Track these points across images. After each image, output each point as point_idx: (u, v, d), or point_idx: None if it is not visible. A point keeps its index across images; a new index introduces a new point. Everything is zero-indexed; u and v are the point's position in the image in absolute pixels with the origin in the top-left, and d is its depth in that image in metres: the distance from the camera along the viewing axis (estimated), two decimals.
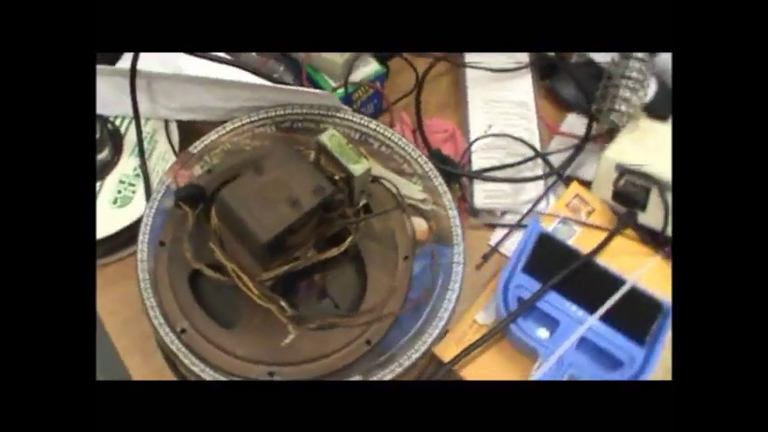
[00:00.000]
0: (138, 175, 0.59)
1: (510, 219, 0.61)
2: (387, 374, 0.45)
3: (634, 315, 0.52)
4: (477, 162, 0.62)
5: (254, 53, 0.63)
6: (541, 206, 0.60)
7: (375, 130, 0.54)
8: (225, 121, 0.55)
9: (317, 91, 0.53)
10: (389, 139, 0.54)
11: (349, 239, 0.46)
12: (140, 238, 0.49)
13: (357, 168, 0.44)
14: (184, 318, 0.46)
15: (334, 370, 0.45)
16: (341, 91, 0.60)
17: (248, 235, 0.42)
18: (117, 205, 0.58)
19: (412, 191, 0.51)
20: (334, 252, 0.45)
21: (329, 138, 0.45)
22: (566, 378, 0.49)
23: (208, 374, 0.44)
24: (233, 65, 0.58)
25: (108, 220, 0.57)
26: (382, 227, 0.49)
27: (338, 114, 0.54)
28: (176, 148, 0.60)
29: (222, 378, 0.44)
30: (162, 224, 0.50)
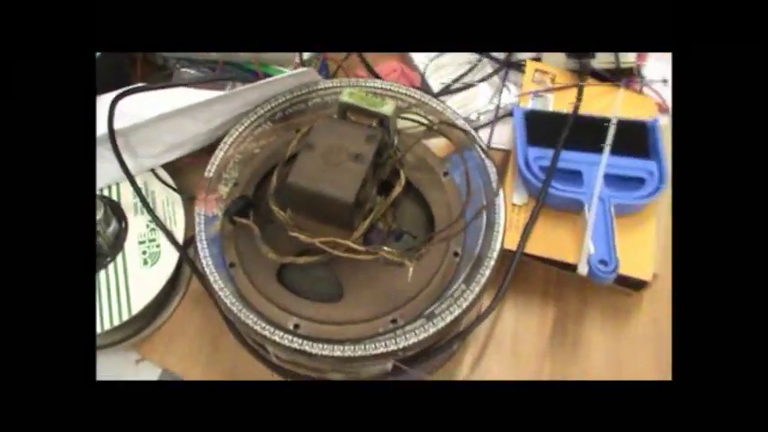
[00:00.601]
0: (153, 229, 0.59)
1: (486, 118, 0.67)
2: (481, 278, 0.49)
3: (631, 140, 0.60)
4: (435, 86, 0.68)
5: (192, 70, 0.65)
6: (505, 96, 0.67)
7: (358, 85, 0.58)
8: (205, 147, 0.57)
9: (297, 71, 0.56)
10: (375, 86, 0.58)
11: (402, 174, 0.50)
12: (207, 271, 0.51)
13: (387, 109, 0.48)
14: (292, 315, 0.48)
15: (444, 287, 0.49)
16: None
17: (332, 204, 0.45)
18: (149, 265, 0.58)
19: (420, 118, 0.56)
20: (398, 190, 0.49)
21: (349, 95, 0.49)
22: (612, 210, 0.56)
23: (340, 351, 0.47)
24: (193, 85, 0.59)
25: (149, 281, 0.58)
26: (413, 156, 0.54)
27: (320, 86, 0.58)
28: (175, 188, 0.61)
29: (351, 351, 0.47)
30: (219, 251, 0.52)
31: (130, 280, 0.57)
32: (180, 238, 0.59)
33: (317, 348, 0.47)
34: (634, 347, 0.57)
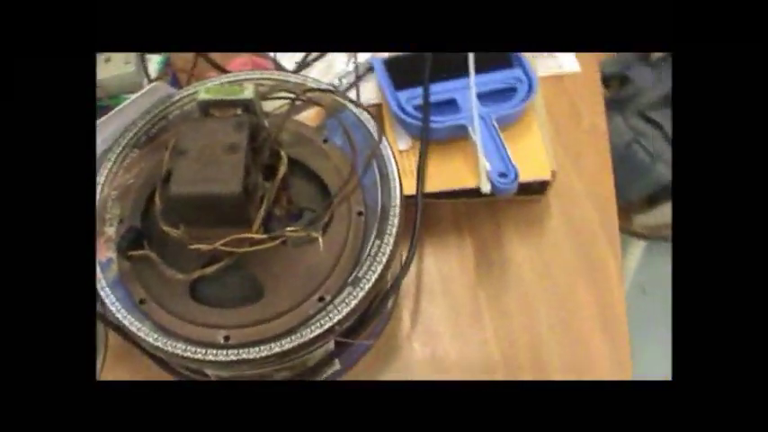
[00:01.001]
0: None
1: (348, 81, 0.66)
2: (392, 229, 0.48)
3: (490, 55, 0.60)
4: (288, 64, 0.67)
5: None
6: (360, 55, 0.66)
7: (218, 85, 0.56)
8: None
9: (146, 89, 0.54)
10: (230, 80, 0.56)
11: (282, 153, 0.49)
12: (119, 316, 0.48)
13: (248, 93, 0.47)
14: (219, 328, 0.46)
15: (358, 249, 0.48)
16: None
17: (221, 201, 0.44)
18: None
19: (284, 94, 0.54)
20: (283, 169, 0.48)
21: (206, 91, 0.47)
22: (495, 124, 0.56)
23: (279, 346, 0.45)
24: None
25: None
26: (289, 134, 0.53)
27: (176, 98, 0.56)
28: None
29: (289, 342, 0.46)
30: (124, 293, 0.49)
31: None
32: None
33: (253, 353, 0.46)
34: (557, 250, 0.59)
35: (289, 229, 0.45)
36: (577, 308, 0.56)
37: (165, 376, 0.55)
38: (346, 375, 0.54)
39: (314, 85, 0.55)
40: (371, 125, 0.52)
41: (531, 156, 0.56)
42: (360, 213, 0.50)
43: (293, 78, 0.55)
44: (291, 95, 0.52)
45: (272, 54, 0.67)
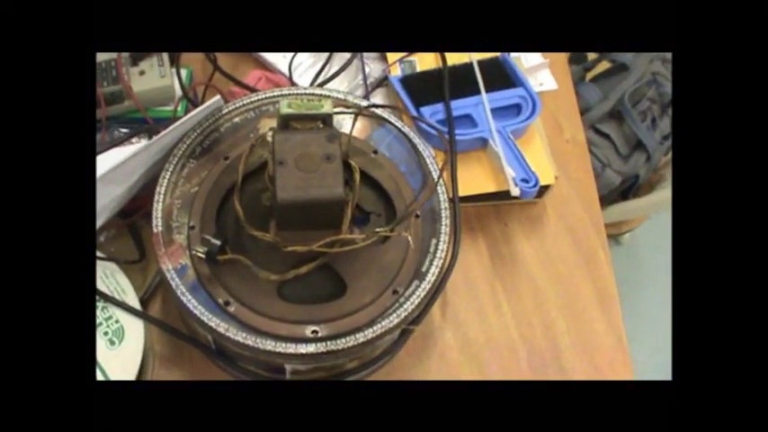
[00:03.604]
0: (104, 307, 0.57)
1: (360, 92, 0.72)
2: (446, 228, 0.55)
3: (495, 75, 0.69)
4: (303, 82, 0.71)
5: None
6: (369, 69, 0.72)
7: (259, 99, 0.60)
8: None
9: (208, 103, 0.56)
10: (272, 96, 0.60)
11: (354, 163, 0.54)
12: (204, 318, 0.50)
13: (326, 107, 0.52)
14: (307, 324, 0.50)
15: (420, 247, 0.55)
16: (184, 102, 0.63)
17: (325, 206, 0.48)
18: (116, 345, 0.56)
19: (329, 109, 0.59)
20: (357, 177, 0.53)
21: (288, 105, 0.51)
22: (511, 136, 0.64)
23: (363, 337, 0.50)
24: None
25: (124, 360, 0.55)
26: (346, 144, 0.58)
27: (224, 111, 0.59)
28: (107, 257, 0.59)
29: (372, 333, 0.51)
30: (204, 297, 0.52)
31: (105, 366, 0.55)
32: (135, 304, 0.57)
33: (341, 344, 0.50)
34: (556, 243, 0.68)
35: (378, 229, 0.51)
36: (578, 291, 0.66)
37: (222, 376, 0.58)
38: (393, 362, 0.60)
39: (357, 101, 0.60)
40: (417, 139, 0.59)
41: (538, 164, 0.65)
42: (417, 216, 0.56)
43: (335, 95, 0.61)
44: (355, 111, 0.57)
45: (281, 67, 0.71)
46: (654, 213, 1.05)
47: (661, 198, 0.90)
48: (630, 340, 0.64)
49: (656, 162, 0.88)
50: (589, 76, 0.97)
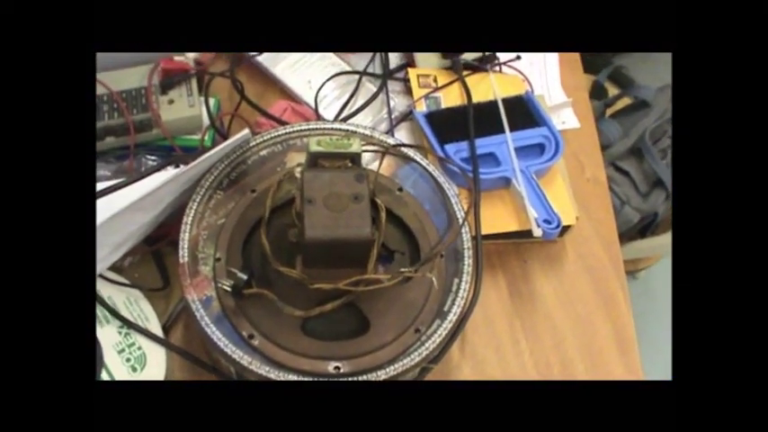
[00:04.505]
0: (127, 334, 0.57)
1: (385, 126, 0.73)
2: (468, 268, 0.56)
3: (518, 114, 0.69)
4: (328, 114, 0.72)
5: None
6: (393, 103, 0.73)
7: (287, 133, 0.61)
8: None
9: (238, 136, 0.57)
10: (300, 130, 0.61)
11: (380, 202, 0.54)
12: (228, 351, 0.51)
13: (356, 147, 0.52)
14: (330, 360, 0.51)
15: (442, 286, 0.55)
16: (211, 131, 0.64)
17: (351, 246, 0.49)
18: (138, 371, 0.56)
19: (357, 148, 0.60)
20: (383, 216, 0.54)
21: (317, 143, 0.52)
22: (534, 177, 0.65)
23: (384, 374, 0.51)
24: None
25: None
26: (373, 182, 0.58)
27: (251, 144, 0.60)
28: (131, 284, 0.59)
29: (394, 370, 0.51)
30: (228, 329, 0.52)
31: None
32: (157, 331, 0.58)
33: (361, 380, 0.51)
34: (573, 281, 0.68)
35: (403, 269, 0.51)
36: (595, 332, 0.66)
37: None
38: None
39: (387, 140, 0.61)
40: (440, 178, 0.60)
41: (560, 204, 0.65)
42: (441, 255, 0.57)
43: (361, 130, 0.61)
44: (383, 149, 0.58)
45: (308, 99, 0.72)
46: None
47: None
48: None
49: None
50: (609, 112, 0.98)
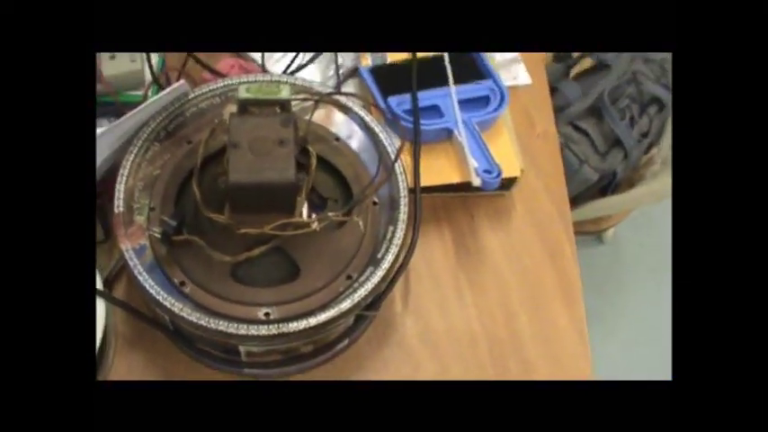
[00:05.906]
0: None
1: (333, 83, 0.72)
2: (403, 216, 0.56)
3: (464, 68, 0.69)
4: (277, 70, 0.72)
5: None
6: (341, 60, 0.73)
7: (224, 85, 0.61)
8: None
9: (172, 87, 0.57)
10: (237, 83, 0.61)
11: (311, 149, 0.55)
12: (160, 298, 0.51)
13: (284, 93, 0.52)
14: (260, 306, 0.51)
15: (376, 234, 0.55)
16: (155, 87, 0.64)
17: (276, 189, 0.49)
18: None
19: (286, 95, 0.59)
20: (314, 163, 0.54)
21: (247, 90, 0.52)
22: (477, 128, 0.65)
23: (315, 320, 0.51)
24: None
25: None
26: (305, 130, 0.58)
27: (191, 96, 0.60)
28: None
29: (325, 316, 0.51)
30: (160, 277, 0.53)
31: None
32: (97, 284, 0.58)
33: (292, 327, 0.51)
34: (521, 235, 0.68)
35: (331, 213, 0.51)
36: (542, 285, 0.66)
37: (182, 359, 0.59)
38: (351, 349, 0.61)
39: (320, 89, 0.61)
40: (378, 127, 0.60)
41: (504, 156, 0.65)
42: (374, 203, 0.57)
43: (299, 82, 0.61)
44: (316, 97, 0.58)
45: (256, 57, 0.72)
46: (634, 209, 1.05)
47: (640, 193, 0.90)
48: (614, 337, 0.64)
49: (635, 160, 0.88)
50: (572, 73, 0.97)
